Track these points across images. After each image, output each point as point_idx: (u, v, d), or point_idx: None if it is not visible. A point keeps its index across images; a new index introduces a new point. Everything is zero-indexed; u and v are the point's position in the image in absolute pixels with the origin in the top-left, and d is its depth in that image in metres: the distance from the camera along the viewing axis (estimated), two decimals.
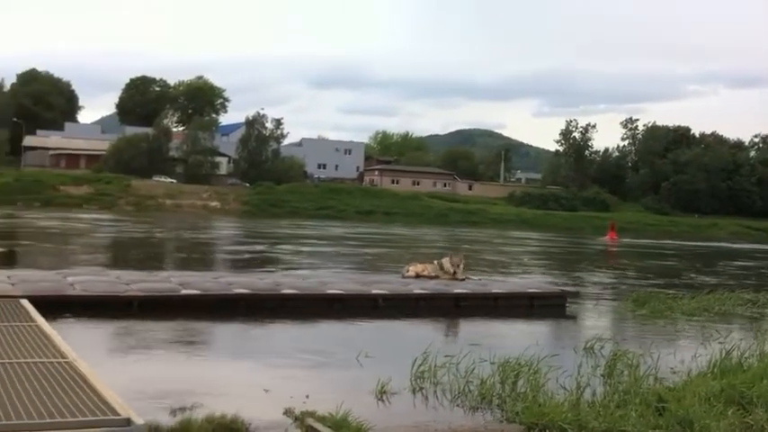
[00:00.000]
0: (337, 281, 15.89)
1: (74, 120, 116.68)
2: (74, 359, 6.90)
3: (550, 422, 6.81)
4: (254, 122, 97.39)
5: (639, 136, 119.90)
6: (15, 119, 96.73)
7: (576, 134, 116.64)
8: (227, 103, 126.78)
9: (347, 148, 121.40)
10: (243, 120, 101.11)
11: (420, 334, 11.88)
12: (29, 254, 23.01)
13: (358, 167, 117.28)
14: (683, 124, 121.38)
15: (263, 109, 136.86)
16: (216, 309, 12.66)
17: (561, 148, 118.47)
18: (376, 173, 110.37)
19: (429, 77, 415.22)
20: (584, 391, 8.00)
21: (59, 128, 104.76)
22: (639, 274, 26.59)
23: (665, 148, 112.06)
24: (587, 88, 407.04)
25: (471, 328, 13.43)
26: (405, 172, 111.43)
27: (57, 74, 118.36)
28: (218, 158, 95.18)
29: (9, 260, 20.34)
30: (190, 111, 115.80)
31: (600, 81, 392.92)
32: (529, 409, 7.14)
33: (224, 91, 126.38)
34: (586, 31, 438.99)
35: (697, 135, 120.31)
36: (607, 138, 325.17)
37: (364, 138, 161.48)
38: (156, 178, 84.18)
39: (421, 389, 8.29)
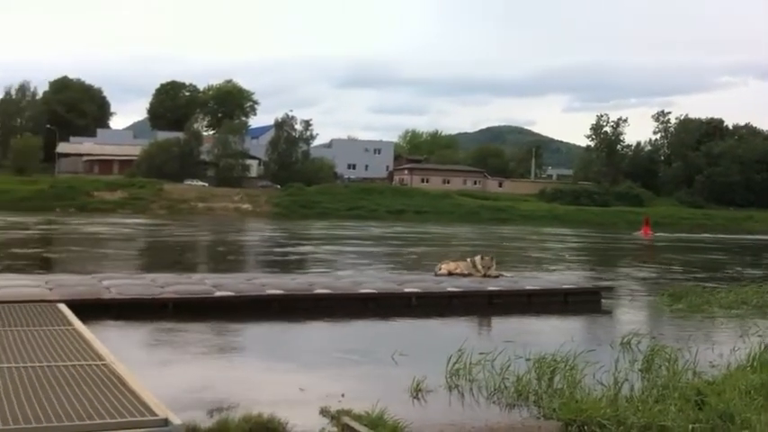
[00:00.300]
0: (370, 280, 15.90)
1: (106, 126, 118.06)
2: (111, 362, 6.97)
3: (588, 418, 6.73)
4: (284, 124, 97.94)
5: (672, 129, 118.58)
6: (49, 126, 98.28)
7: (608, 129, 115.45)
8: (256, 106, 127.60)
9: (377, 148, 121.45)
10: (272, 122, 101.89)
11: (454, 331, 11.84)
12: (81, 259, 23.20)
13: (388, 167, 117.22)
14: (715, 116, 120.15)
15: (291, 111, 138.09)
16: (250, 310, 12.72)
17: (592, 144, 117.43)
18: (406, 172, 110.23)
19: (457, 75, 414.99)
20: (621, 386, 7.92)
21: (92, 134, 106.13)
22: (685, 269, 26.24)
23: (697, 140, 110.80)
24: (618, 82, 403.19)
25: (505, 325, 13.37)
26: (435, 170, 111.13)
27: (88, 81, 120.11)
28: (249, 161, 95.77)
29: (49, 265, 20.63)
30: (219, 114, 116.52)
31: (630, 75, 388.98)
32: (566, 406, 7.07)
33: (253, 94, 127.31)
34: (616, 24, 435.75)
35: (730, 127, 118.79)
36: (639, 132, 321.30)
37: (393, 137, 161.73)
38: (188, 182, 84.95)
39: (456, 386, 8.25)
